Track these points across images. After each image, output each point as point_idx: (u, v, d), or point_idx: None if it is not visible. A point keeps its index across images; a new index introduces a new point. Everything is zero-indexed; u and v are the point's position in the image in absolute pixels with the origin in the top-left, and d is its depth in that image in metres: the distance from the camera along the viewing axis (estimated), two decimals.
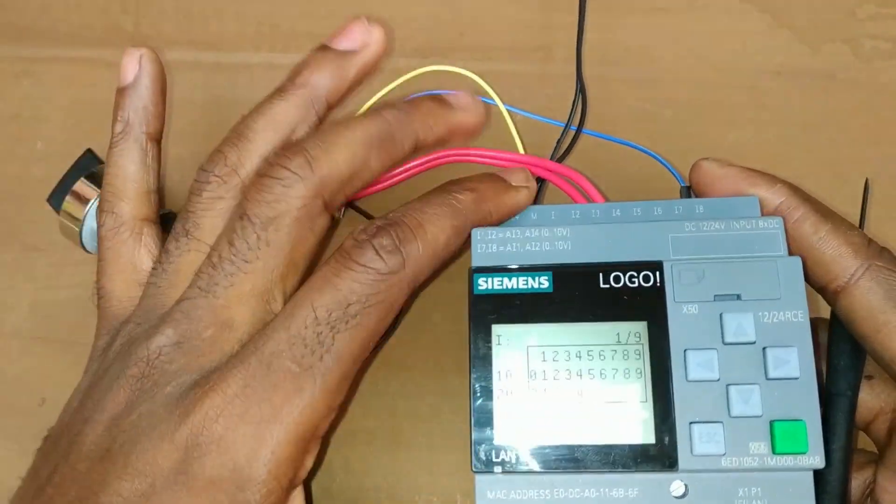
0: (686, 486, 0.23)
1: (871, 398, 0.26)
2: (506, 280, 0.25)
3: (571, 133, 0.33)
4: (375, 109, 0.27)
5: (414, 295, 0.28)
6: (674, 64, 0.36)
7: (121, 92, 0.28)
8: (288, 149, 0.25)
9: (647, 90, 0.35)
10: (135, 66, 0.28)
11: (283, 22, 0.38)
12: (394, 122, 0.26)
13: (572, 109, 0.33)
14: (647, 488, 0.24)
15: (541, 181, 0.31)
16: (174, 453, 0.22)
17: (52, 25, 0.38)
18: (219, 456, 0.22)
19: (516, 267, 0.26)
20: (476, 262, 0.26)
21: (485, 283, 0.25)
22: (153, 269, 0.26)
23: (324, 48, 0.28)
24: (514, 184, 0.28)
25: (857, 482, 0.26)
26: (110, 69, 0.37)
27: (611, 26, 0.36)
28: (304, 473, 0.25)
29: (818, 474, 0.24)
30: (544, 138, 0.33)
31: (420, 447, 0.30)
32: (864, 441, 0.27)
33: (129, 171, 0.27)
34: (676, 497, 0.23)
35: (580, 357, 0.24)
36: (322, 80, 0.27)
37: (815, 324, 0.27)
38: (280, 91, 0.27)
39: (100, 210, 0.28)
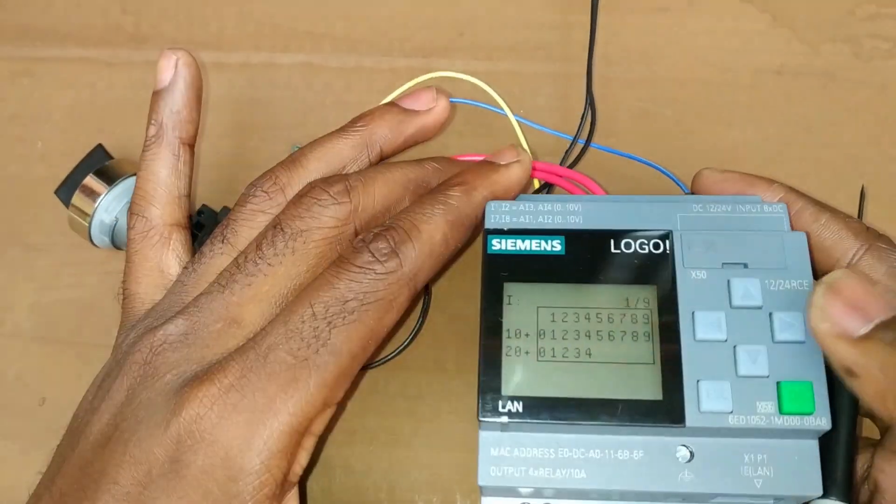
0: (692, 451, 0.24)
1: None
2: (519, 241, 0.26)
3: (574, 151, 0.33)
4: (419, 159, 0.28)
5: (417, 296, 0.28)
6: (674, 63, 0.36)
7: (156, 95, 0.28)
8: (331, 177, 0.27)
9: (648, 90, 0.35)
10: (171, 70, 0.28)
11: (283, 22, 0.38)
12: (432, 173, 0.28)
13: (581, 122, 0.33)
14: (653, 451, 0.24)
15: (549, 186, 0.31)
16: (169, 442, 0.22)
17: (52, 25, 0.38)
18: (211, 445, 0.22)
19: (530, 230, 0.26)
20: (489, 227, 0.26)
21: (498, 244, 0.26)
22: (184, 268, 0.27)
23: (391, 104, 0.29)
24: (502, 163, 0.28)
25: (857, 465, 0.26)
26: (110, 69, 0.37)
27: (611, 26, 0.36)
28: (298, 470, 0.25)
29: (824, 458, 0.24)
30: (550, 143, 0.33)
31: (420, 447, 0.30)
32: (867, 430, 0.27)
33: (161, 175, 0.28)
34: (682, 462, 0.24)
35: (589, 318, 0.25)
36: (381, 129, 0.28)
37: None
38: (341, 130, 0.29)
39: (130, 213, 0.28)
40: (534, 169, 0.31)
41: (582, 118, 0.33)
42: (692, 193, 0.29)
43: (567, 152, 0.33)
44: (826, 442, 0.24)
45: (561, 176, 0.31)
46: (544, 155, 0.33)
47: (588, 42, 0.35)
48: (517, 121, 0.32)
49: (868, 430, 0.27)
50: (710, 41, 0.36)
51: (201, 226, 0.31)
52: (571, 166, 0.33)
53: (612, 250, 0.25)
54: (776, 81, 0.35)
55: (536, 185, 0.31)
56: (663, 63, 0.36)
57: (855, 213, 0.30)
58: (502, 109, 0.32)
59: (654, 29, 0.37)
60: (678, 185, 0.31)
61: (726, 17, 0.37)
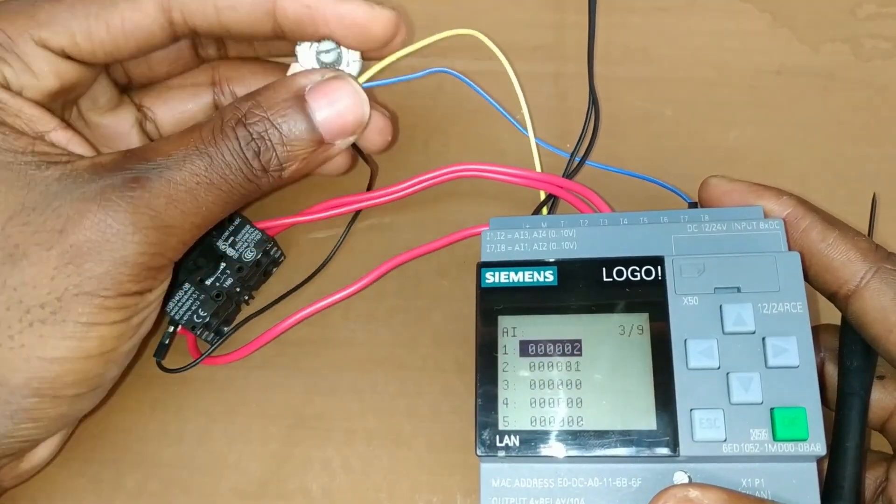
0: (689, 477, 0.24)
1: (884, 397, 0.26)
2: (512, 274, 0.26)
3: (584, 145, 0.33)
4: None
5: None
6: (674, 63, 0.36)
7: None
8: None
9: (648, 89, 0.35)
10: None
11: None
12: None
13: (585, 123, 0.33)
14: (650, 479, 0.24)
15: (553, 198, 0.31)
16: None
17: None
18: None
19: (522, 261, 0.26)
20: (485, 258, 0.27)
21: (492, 277, 0.26)
22: None
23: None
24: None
25: (869, 480, 0.26)
26: None
27: (611, 26, 0.36)
28: None
29: (832, 471, 0.24)
30: (554, 137, 0.33)
31: (420, 447, 0.30)
32: (876, 443, 0.27)
33: None
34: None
35: (585, 348, 0.25)
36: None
37: (824, 330, 0.27)
38: None
39: None
40: (536, 180, 0.30)
41: (587, 116, 0.33)
42: (697, 202, 0.28)
43: (571, 156, 0.33)
44: (834, 454, 0.24)
45: (562, 187, 0.30)
46: (548, 156, 0.33)
47: (587, 41, 0.35)
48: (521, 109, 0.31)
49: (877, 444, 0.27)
50: (710, 41, 0.36)
51: None
52: (577, 171, 0.32)
53: (605, 279, 0.25)
54: (776, 81, 0.35)
55: (542, 196, 0.31)
56: (663, 63, 0.36)
57: (855, 210, 0.30)
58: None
59: (653, 29, 0.37)
60: (678, 194, 0.31)
61: (726, 17, 0.37)
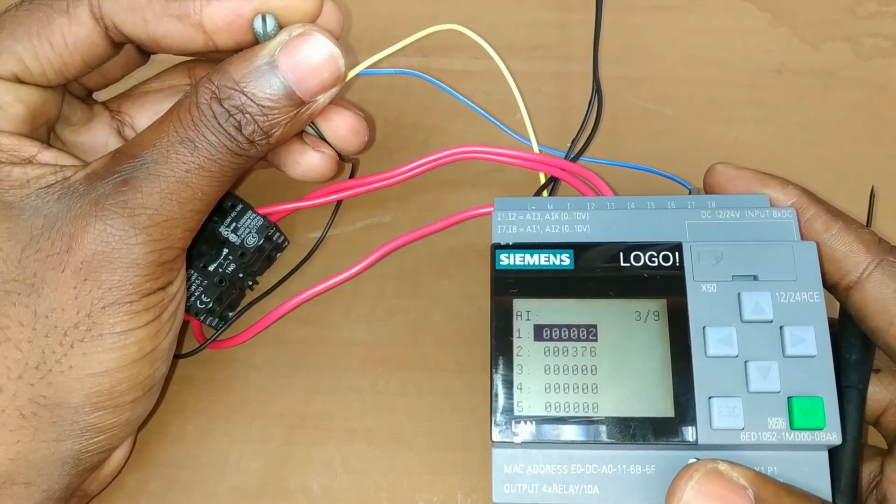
0: (697, 459, 0.23)
1: (879, 391, 0.26)
2: (528, 256, 0.26)
3: (585, 134, 0.33)
4: None
5: None
6: (674, 62, 0.36)
7: None
8: None
9: (648, 88, 0.35)
10: None
11: None
12: None
13: (588, 109, 0.33)
14: (665, 465, 0.24)
15: (555, 180, 0.31)
16: None
17: None
18: None
19: (538, 243, 0.26)
20: (496, 239, 0.26)
21: (506, 259, 0.26)
22: None
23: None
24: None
25: (863, 474, 0.26)
26: None
27: (612, 25, 0.36)
28: None
29: (830, 465, 0.24)
30: (556, 124, 0.33)
31: (420, 447, 0.30)
32: (870, 437, 0.27)
33: None
34: None
35: (600, 333, 0.25)
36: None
37: None
38: None
39: None
40: (539, 162, 0.30)
41: (589, 104, 0.33)
42: (701, 188, 0.29)
43: (573, 142, 0.33)
44: (832, 449, 0.24)
45: (565, 170, 0.30)
46: (551, 140, 0.33)
47: (594, 27, 0.35)
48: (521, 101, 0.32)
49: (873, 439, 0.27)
50: (711, 40, 0.36)
51: None
52: (579, 154, 0.32)
53: (622, 264, 0.25)
54: (776, 80, 0.35)
55: (542, 179, 0.31)
56: (664, 62, 0.36)
57: (855, 208, 0.30)
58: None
59: (654, 28, 0.37)
60: (678, 182, 0.31)
61: (727, 16, 0.37)
